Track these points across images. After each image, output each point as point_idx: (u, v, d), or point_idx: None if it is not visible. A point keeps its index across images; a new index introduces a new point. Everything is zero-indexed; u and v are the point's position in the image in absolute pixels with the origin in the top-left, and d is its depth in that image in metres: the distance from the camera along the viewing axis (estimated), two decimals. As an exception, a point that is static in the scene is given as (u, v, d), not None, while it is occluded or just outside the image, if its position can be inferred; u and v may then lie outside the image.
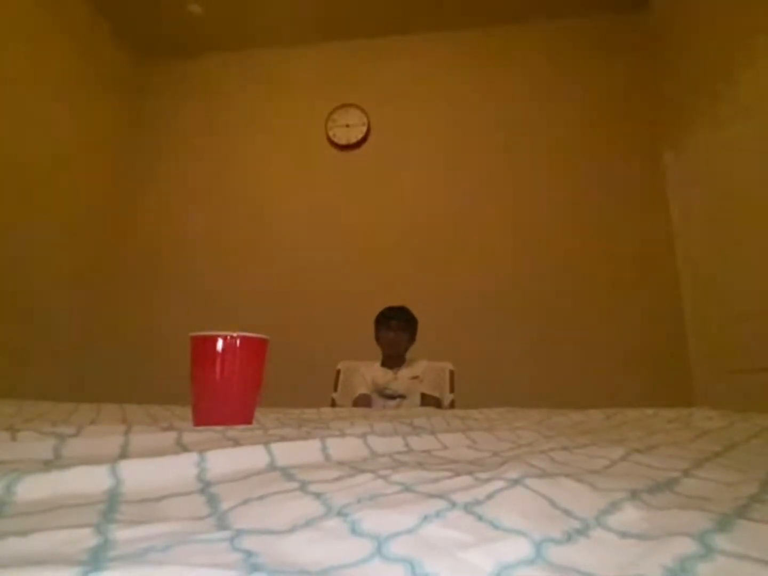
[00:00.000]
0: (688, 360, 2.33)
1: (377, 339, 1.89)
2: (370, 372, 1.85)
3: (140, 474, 0.31)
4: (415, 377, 1.80)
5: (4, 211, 2.21)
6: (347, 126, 2.97)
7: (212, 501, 0.28)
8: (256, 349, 0.66)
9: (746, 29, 1.94)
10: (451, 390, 1.85)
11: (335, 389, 1.95)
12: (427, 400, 1.71)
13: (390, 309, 1.89)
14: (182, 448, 0.41)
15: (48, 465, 0.32)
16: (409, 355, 1.91)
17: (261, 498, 0.28)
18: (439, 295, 2.61)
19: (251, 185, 3.01)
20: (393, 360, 1.87)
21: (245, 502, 0.27)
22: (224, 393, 0.63)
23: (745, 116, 1.94)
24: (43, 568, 0.17)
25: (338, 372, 2.00)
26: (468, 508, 0.26)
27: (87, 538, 0.21)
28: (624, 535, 0.24)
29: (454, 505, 0.26)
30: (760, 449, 0.53)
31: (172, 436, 0.44)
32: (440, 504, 0.26)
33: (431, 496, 0.28)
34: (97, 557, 0.19)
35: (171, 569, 0.17)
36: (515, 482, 0.30)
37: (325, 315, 2.69)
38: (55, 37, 2.58)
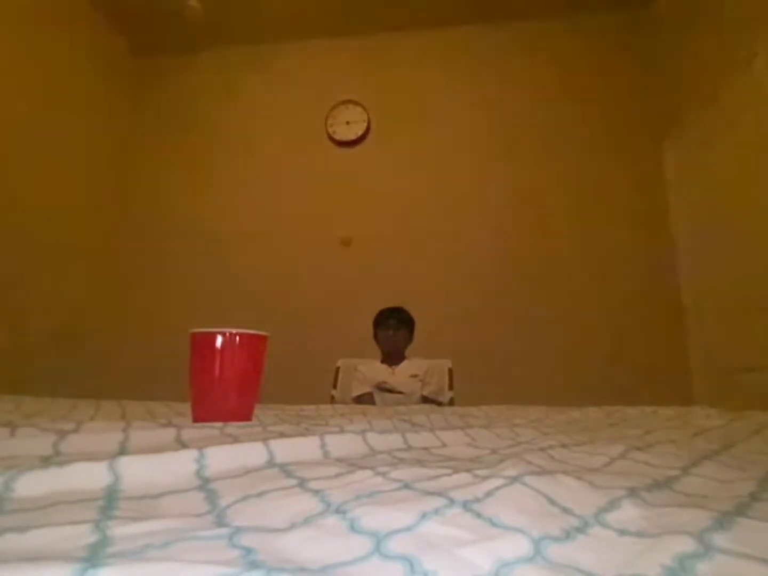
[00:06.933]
0: (688, 358, 2.34)
1: (376, 339, 1.94)
2: (369, 368, 1.87)
3: (139, 470, 0.31)
4: (414, 375, 1.81)
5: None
6: (347, 123, 2.96)
7: (211, 498, 0.28)
8: (255, 346, 0.66)
9: (748, 27, 1.93)
10: (450, 387, 1.86)
11: (334, 386, 1.96)
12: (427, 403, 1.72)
13: (387, 309, 1.94)
14: (181, 444, 0.41)
15: (47, 461, 0.32)
16: (408, 354, 1.94)
17: (260, 495, 0.28)
18: (438, 292, 2.61)
19: (251, 181, 3.00)
20: (392, 358, 1.90)
21: (244, 499, 0.27)
22: (223, 390, 0.63)
23: (746, 114, 1.93)
24: (42, 564, 0.17)
25: (337, 369, 2.01)
26: (467, 505, 0.26)
27: (85, 535, 0.21)
28: (623, 533, 0.24)
29: (452, 502, 0.26)
30: (759, 447, 0.53)
31: (171, 432, 0.44)
32: (439, 501, 0.26)
33: (430, 493, 0.28)
34: (95, 554, 0.19)
35: (169, 566, 0.17)
36: (514, 480, 0.30)
37: (324, 312, 2.69)
38: (53, 34, 2.55)
